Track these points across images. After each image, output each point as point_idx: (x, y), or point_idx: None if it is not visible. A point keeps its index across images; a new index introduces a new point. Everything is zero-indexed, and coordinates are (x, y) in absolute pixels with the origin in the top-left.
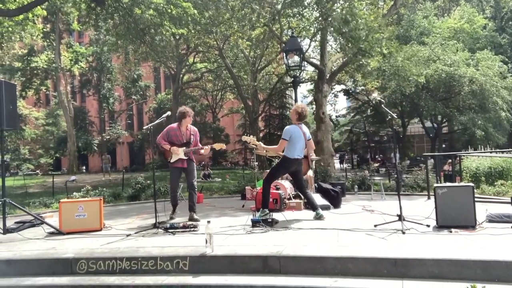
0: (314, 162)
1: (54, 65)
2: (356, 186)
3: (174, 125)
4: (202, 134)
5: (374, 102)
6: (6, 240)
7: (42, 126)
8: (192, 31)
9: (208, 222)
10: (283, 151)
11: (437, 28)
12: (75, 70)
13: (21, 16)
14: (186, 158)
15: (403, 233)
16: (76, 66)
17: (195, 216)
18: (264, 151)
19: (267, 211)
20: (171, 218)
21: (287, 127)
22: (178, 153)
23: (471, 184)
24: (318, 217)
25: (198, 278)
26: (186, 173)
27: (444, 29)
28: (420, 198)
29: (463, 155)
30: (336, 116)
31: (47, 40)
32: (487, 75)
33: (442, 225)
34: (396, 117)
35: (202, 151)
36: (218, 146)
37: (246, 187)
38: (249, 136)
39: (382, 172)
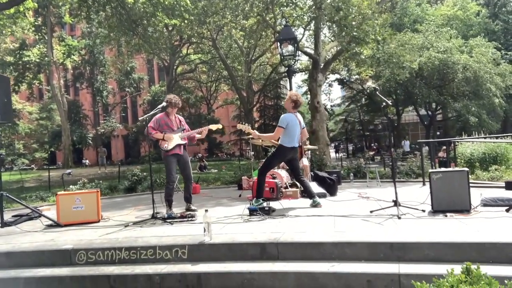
0: (309, 151)
1: (46, 58)
2: (352, 174)
3: (161, 114)
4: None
5: (368, 90)
6: (4, 233)
7: (36, 121)
8: (185, 21)
9: (206, 211)
10: (278, 140)
11: (430, 16)
12: (68, 63)
13: (12, 10)
14: (183, 143)
15: (399, 218)
16: (69, 60)
17: (192, 207)
18: (259, 140)
19: (261, 201)
20: (174, 216)
21: (283, 115)
22: (173, 139)
23: (466, 169)
24: (315, 205)
25: (197, 266)
26: (181, 163)
27: (437, 16)
28: (415, 184)
29: (458, 141)
30: (331, 106)
31: (39, 34)
32: (481, 62)
33: (437, 209)
34: (391, 104)
35: (198, 135)
36: (214, 126)
37: (243, 177)
38: (244, 124)
39: (377, 160)
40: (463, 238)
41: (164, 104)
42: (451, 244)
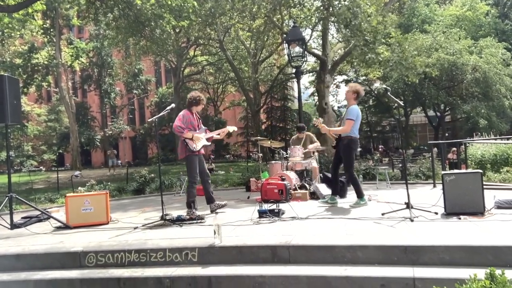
0: (317, 152)
1: (54, 61)
2: (361, 176)
3: (187, 112)
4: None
5: (380, 90)
6: (13, 235)
7: (44, 123)
8: (193, 23)
9: (216, 213)
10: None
11: (439, 16)
12: (76, 65)
13: (20, 12)
14: (208, 144)
15: (412, 220)
16: (77, 62)
17: (217, 202)
18: (268, 141)
19: (365, 200)
20: (197, 217)
21: (351, 107)
22: (201, 140)
23: (479, 170)
24: (361, 204)
25: (208, 268)
26: (200, 162)
27: (446, 16)
28: (425, 186)
29: (468, 143)
30: (338, 107)
31: (47, 36)
32: (491, 63)
33: (451, 212)
34: (402, 104)
35: (217, 136)
36: (231, 128)
37: (251, 179)
38: (318, 119)
39: (385, 161)
40: (479, 242)
41: (173, 105)
42: (467, 248)
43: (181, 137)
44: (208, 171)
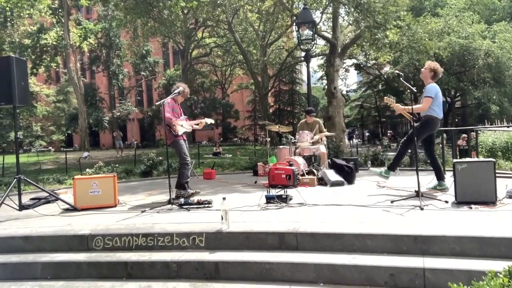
0: (326, 138)
1: (63, 42)
2: (369, 162)
3: (172, 101)
4: (211, 110)
5: (391, 75)
6: (22, 217)
7: (53, 103)
8: (201, 4)
9: (224, 198)
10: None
11: None
12: (84, 46)
13: None
14: (189, 130)
15: (422, 209)
16: (85, 43)
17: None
18: (276, 126)
19: (393, 172)
20: (192, 194)
21: (429, 85)
22: (184, 126)
23: (492, 159)
24: (442, 189)
25: (215, 254)
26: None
27: (459, 0)
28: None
29: (480, 130)
30: (347, 91)
31: (56, 17)
32: (504, 48)
33: (461, 201)
34: (415, 90)
35: (195, 126)
36: (209, 120)
37: (258, 163)
38: (390, 97)
39: (394, 147)
40: (492, 232)
41: (181, 89)
42: (479, 239)
43: (171, 124)
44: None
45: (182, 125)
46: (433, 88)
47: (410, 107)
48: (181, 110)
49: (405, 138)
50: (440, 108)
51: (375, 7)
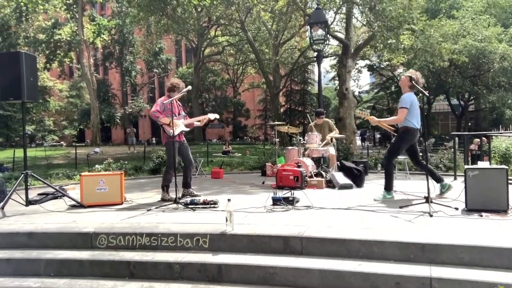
0: (336, 140)
1: (77, 37)
2: (380, 165)
3: (165, 98)
4: (222, 108)
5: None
6: (28, 212)
7: (66, 98)
8: (215, 2)
9: (229, 200)
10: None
11: (468, 1)
12: (98, 42)
13: None
14: (187, 130)
15: (431, 216)
16: (99, 39)
17: (195, 192)
18: (287, 127)
19: (392, 193)
20: (169, 199)
21: (404, 95)
22: (179, 125)
23: (505, 166)
24: (445, 190)
25: (218, 256)
26: (184, 148)
27: (475, 2)
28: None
29: (494, 135)
30: (359, 92)
31: (70, 12)
32: None
33: (472, 208)
34: (428, 95)
35: (197, 123)
36: (212, 116)
37: (267, 164)
38: (363, 111)
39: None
40: (502, 242)
41: (189, 87)
42: (489, 249)
43: (159, 122)
44: (191, 158)
45: (178, 125)
46: (407, 98)
47: (384, 119)
48: (180, 108)
49: (386, 154)
50: (417, 118)
51: (390, 12)
